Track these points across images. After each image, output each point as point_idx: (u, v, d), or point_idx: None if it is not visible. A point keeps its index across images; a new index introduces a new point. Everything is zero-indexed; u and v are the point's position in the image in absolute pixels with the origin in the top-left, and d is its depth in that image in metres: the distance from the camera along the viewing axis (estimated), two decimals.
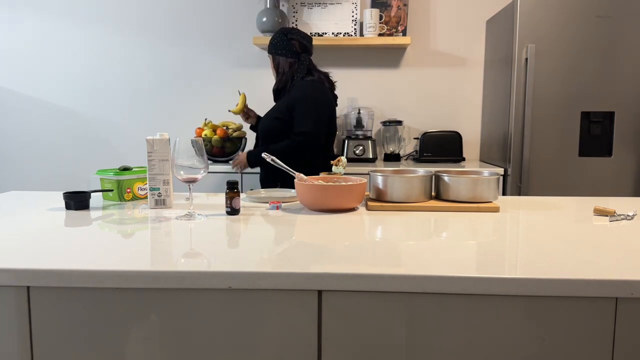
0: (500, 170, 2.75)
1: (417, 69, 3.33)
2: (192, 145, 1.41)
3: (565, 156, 2.65)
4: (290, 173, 1.63)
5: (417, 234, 1.24)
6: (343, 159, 1.71)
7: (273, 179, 2.28)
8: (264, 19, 3.10)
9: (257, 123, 2.53)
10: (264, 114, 2.40)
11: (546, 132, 2.64)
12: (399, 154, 3.23)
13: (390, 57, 3.32)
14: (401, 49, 3.31)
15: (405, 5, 3.21)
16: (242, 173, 2.07)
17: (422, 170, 1.70)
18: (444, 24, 3.29)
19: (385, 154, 3.24)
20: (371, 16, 3.12)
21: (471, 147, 3.36)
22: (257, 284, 0.95)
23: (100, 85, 3.46)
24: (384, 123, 3.23)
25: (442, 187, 1.61)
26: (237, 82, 3.38)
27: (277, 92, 2.40)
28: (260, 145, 2.37)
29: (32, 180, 3.55)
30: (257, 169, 2.72)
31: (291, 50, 2.34)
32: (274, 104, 2.40)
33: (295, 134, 2.23)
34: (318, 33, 3.23)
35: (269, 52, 2.39)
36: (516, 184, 2.70)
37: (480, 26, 3.27)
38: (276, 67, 2.38)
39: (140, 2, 3.38)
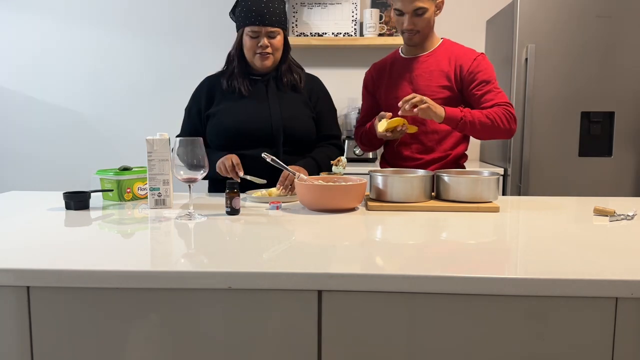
0: (500, 170, 2.75)
1: None
2: (192, 145, 1.41)
3: (565, 156, 2.65)
4: (290, 173, 1.63)
5: (417, 234, 1.24)
6: (343, 159, 1.71)
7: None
8: None
9: None
10: (277, 110, 1.89)
11: (546, 132, 2.64)
12: None
13: None
14: None
15: None
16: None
17: (422, 170, 1.69)
18: (444, 24, 3.28)
19: None
20: (371, 16, 3.12)
21: (471, 147, 3.35)
22: (257, 284, 0.95)
23: (101, 85, 3.46)
24: None
25: (442, 187, 1.61)
26: None
27: (266, 78, 1.93)
28: (286, 149, 1.89)
29: (32, 180, 3.55)
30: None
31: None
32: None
33: (336, 138, 2.01)
34: (318, 33, 3.23)
35: (277, 25, 1.85)
36: (516, 184, 2.70)
37: (480, 26, 3.27)
38: (279, 45, 1.89)
39: (140, 2, 3.38)
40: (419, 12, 1.82)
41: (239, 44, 1.90)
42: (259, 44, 1.83)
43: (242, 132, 1.85)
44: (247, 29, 1.84)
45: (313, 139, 1.96)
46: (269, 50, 1.84)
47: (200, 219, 1.41)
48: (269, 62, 1.87)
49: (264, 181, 1.74)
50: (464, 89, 1.88)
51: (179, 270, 0.96)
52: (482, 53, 1.91)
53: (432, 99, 1.78)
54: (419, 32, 1.86)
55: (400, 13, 1.84)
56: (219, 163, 1.74)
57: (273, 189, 1.72)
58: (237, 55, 1.91)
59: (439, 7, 1.89)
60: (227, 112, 1.88)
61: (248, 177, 1.73)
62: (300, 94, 1.95)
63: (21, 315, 1.00)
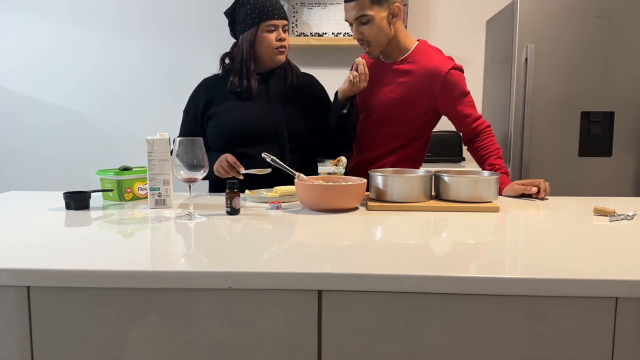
0: None
1: None
2: (193, 145, 1.41)
3: (565, 156, 2.65)
4: (290, 173, 1.63)
5: (417, 234, 1.24)
6: (343, 159, 1.71)
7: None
8: None
9: None
10: (279, 111, 1.88)
11: (546, 132, 2.64)
12: None
13: None
14: None
15: (405, 5, 3.21)
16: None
17: (422, 170, 1.69)
18: (444, 24, 3.29)
19: None
20: None
21: None
22: (257, 284, 0.95)
23: (101, 85, 3.46)
24: None
25: (442, 187, 1.61)
26: None
27: (267, 78, 1.93)
28: (292, 147, 1.89)
29: (32, 180, 3.55)
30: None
31: None
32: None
33: None
34: (318, 33, 3.23)
35: (287, 19, 1.88)
36: None
37: (480, 26, 3.27)
38: (288, 39, 1.92)
39: (140, 3, 3.38)
40: (362, 21, 1.77)
41: (251, 43, 1.85)
42: (278, 38, 1.84)
43: (244, 130, 1.84)
44: (265, 25, 1.83)
45: (316, 136, 1.95)
46: (286, 43, 1.87)
47: (200, 219, 1.41)
48: (283, 57, 1.89)
49: (267, 170, 1.71)
50: (439, 104, 1.87)
51: (179, 270, 0.96)
52: (454, 64, 1.85)
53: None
54: (370, 42, 1.80)
55: (350, 23, 1.82)
56: (216, 166, 1.72)
57: (279, 187, 1.70)
58: (248, 55, 1.86)
59: (394, 14, 1.79)
60: (228, 112, 1.87)
61: (250, 172, 1.72)
62: (300, 91, 1.95)
63: (21, 315, 1.00)
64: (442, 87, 1.80)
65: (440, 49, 1.91)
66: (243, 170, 1.69)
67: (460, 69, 1.85)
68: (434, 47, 1.90)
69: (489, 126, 1.89)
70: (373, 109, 1.90)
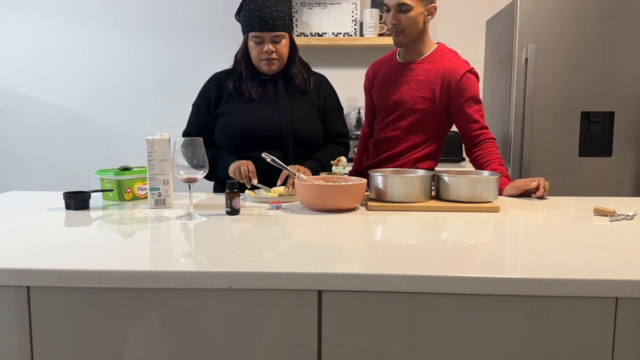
0: None
1: None
2: (193, 145, 1.41)
3: (565, 156, 2.65)
4: (290, 173, 1.63)
5: (417, 234, 1.24)
6: (343, 159, 1.71)
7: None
8: None
9: None
10: (282, 112, 1.88)
11: (546, 132, 2.64)
12: None
13: None
14: None
15: None
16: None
17: (422, 170, 1.69)
18: (444, 24, 3.29)
19: None
20: (371, 16, 3.12)
21: None
22: (257, 284, 0.95)
23: (101, 85, 3.46)
24: None
25: (442, 187, 1.61)
26: None
27: (275, 81, 1.91)
28: (296, 152, 1.90)
29: (32, 180, 3.55)
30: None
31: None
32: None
33: (343, 136, 2.02)
34: (318, 33, 3.23)
35: (281, 29, 1.83)
36: None
37: (480, 26, 3.27)
38: (285, 49, 1.87)
39: (140, 2, 3.38)
40: (402, 9, 1.81)
41: (244, 48, 1.89)
42: (264, 50, 1.82)
43: (251, 134, 1.84)
44: (251, 35, 1.83)
45: (321, 140, 1.96)
46: (274, 56, 1.83)
47: (200, 219, 1.41)
48: (275, 67, 1.87)
49: (272, 192, 1.73)
50: (451, 104, 1.88)
51: (179, 270, 0.96)
52: (471, 68, 1.88)
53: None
54: (403, 31, 1.83)
55: (387, 9, 1.84)
56: (234, 167, 1.74)
57: (278, 188, 1.71)
58: (243, 59, 1.89)
59: (430, 12, 1.85)
60: (235, 114, 1.86)
61: (260, 186, 1.73)
62: (308, 94, 1.94)
63: (21, 315, 1.00)
64: (457, 87, 1.84)
65: (457, 52, 1.96)
66: (255, 182, 1.70)
67: (476, 74, 1.89)
68: (452, 50, 1.95)
69: (494, 138, 1.91)
70: (392, 108, 1.94)
